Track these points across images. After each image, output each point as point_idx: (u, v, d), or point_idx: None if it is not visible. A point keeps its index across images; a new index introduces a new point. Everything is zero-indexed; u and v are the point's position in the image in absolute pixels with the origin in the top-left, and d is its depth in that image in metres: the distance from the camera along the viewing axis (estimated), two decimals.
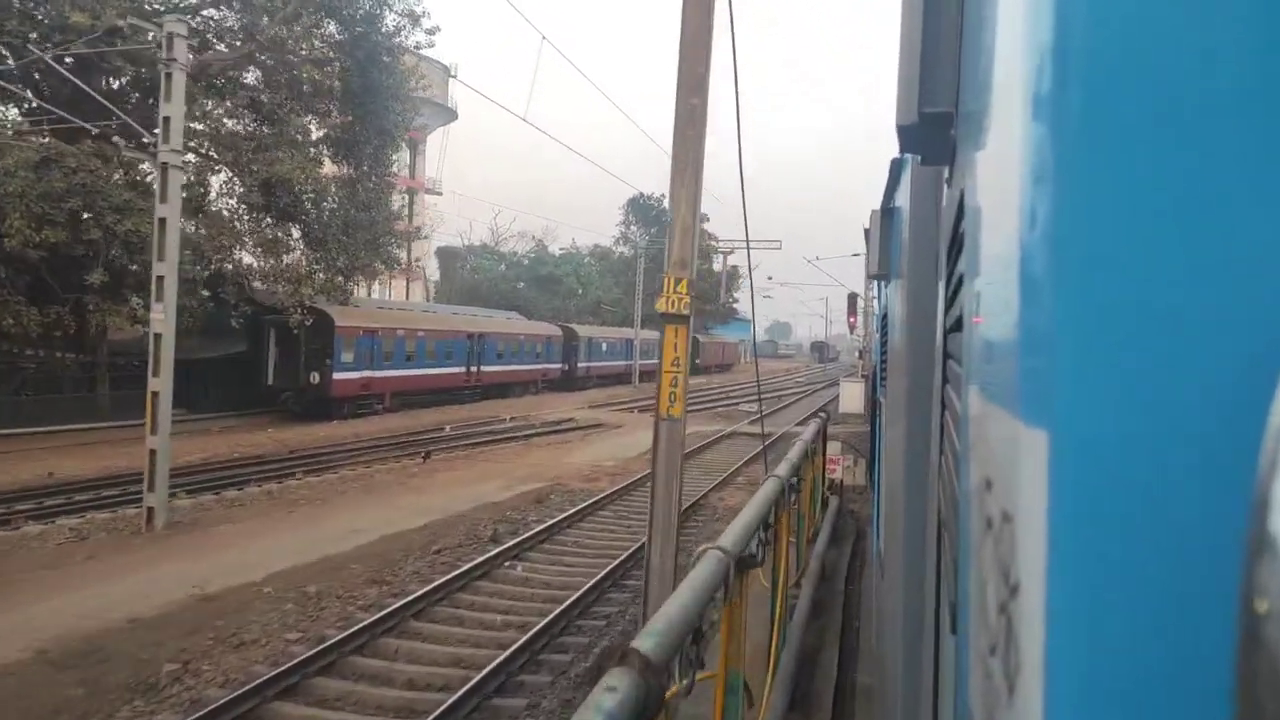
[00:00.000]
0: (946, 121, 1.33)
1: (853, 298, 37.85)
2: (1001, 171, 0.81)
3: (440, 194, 77.94)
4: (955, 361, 1.40)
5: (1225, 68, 0.62)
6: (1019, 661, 0.72)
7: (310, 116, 27.41)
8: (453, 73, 78.00)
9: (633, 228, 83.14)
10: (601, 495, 16.87)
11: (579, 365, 48.98)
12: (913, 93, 1.34)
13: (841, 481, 16.16)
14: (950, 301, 1.49)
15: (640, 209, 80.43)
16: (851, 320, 38.14)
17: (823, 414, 13.74)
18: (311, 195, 27.17)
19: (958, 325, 1.32)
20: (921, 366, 2.06)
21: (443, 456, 21.85)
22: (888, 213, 3.54)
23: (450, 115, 77.02)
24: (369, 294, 71.93)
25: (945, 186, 1.72)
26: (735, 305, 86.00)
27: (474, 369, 37.58)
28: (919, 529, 2.07)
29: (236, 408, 28.91)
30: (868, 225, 4.20)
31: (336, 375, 28.08)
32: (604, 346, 52.60)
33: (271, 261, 26.52)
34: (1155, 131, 0.64)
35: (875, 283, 7.57)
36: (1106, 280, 0.64)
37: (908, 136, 1.45)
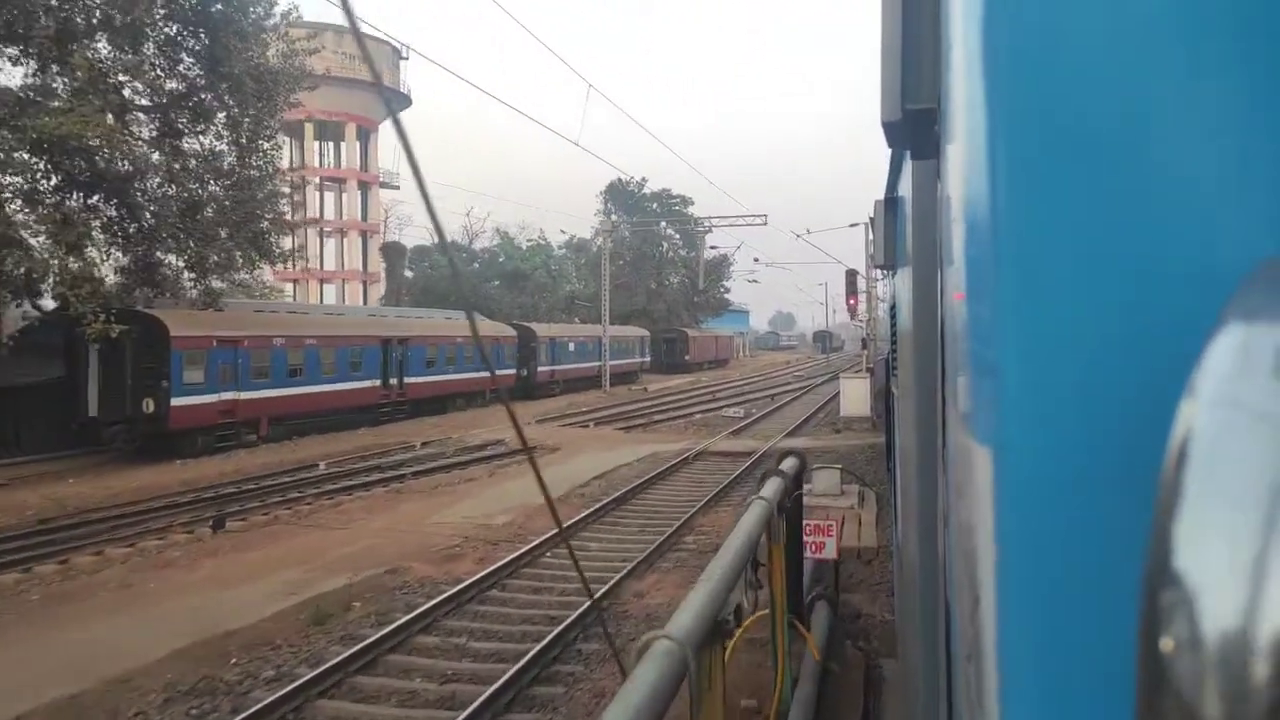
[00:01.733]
0: (931, 117, 1.34)
1: (851, 276, 31.10)
2: (966, 174, 0.81)
3: (397, 188, 71.33)
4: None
5: (1171, 86, 0.64)
6: (983, 677, 0.74)
7: (114, 54, 20.65)
8: (404, 54, 71.55)
9: (613, 217, 76.54)
10: (441, 597, 10.15)
11: (540, 370, 42.28)
12: (895, 89, 1.36)
13: (837, 563, 9.33)
14: (941, 298, 1.49)
15: (620, 195, 73.69)
16: (851, 302, 31.44)
17: (792, 457, 7.02)
18: (125, 167, 20.56)
19: (944, 322, 1.36)
20: (926, 358, 2.05)
21: (261, 518, 15.13)
22: (890, 203, 3.57)
23: (403, 101, 70.36)
24: (320, 297, 65.95)
25: (938, 181, 1.64)
26: (727, 295, 79.24)
27: (394, 381, 30.90)
28: (930, 521, 2.05)
29: (57, 448, 22.30)
30: (872, 215, 4.15)
31: (176, 401, 21.42)
32: (570, 347, 45.90)
33: (71, 258, 19.78)
34: (1092, 162, 0.66)
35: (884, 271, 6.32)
36: (1049, 297, 0.66)
37: (893, 133, 1.52)
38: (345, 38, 65.82)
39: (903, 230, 2.90)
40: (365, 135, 67.68)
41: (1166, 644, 0.39)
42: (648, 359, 60.16)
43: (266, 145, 27.82)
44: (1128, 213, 0.65)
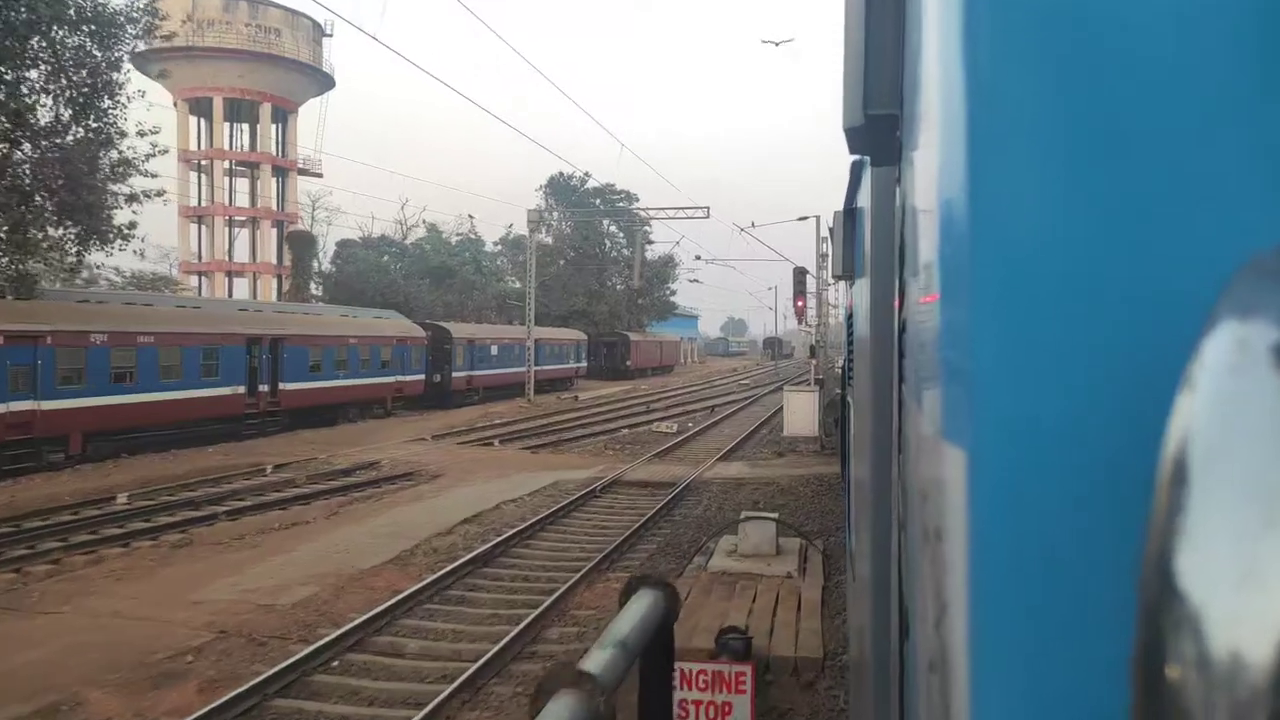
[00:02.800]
0: (893, 123, 1.34)
1: (800, 274, 27.26)
2: (937, 178, 0.80)
3: (320, 175, 66.07)
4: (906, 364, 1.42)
5: (1138, 88, 0.64)
6: (950, 687, 0.72)
7: None
8: (327, 30, 66.40)
9: (554, 214, 72.18)
10: None
11: (455, 375, 37.83)
12: (857, 94, 1.35)
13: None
14: (901, 305, 1.52)
15: (561, 189, 69.42)
16: (799, 304, 27.59)
17: (649, 592, 2.65)
18: None
19: (905, 329, 1.38)
20: (883, 367, 2.08)
21: None
22: (850, 214, 3.55)
23: (325, 82, 65.26)
24: (229, 291, 60.21)
25: (897, 187, 1.69)
26: (674, 299, 75.32)
27: (265, 388, 26.28)
28: (885, 528, 2.04)
29: None
30: (831, 226, 4.37)
31: None
32: (493, 351, 41.52)
33: None
34: (1063, 154, 0.65)
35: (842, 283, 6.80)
36: (1024, 299, 0.66)
37: (855, 138, 1.47)
38: (261, 9, 60.68)
39: (861, 240, 2.86)
40: (283, 116, 62.48)
41: (1173, 671, 0.38)
42: (584, 364, 55.97)
43: (107, 103, 23.19)
44: (1103, 214, 0.65)
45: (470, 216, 60.13)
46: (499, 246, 68.97)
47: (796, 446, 23.77)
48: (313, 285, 51.36)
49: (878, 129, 1.36)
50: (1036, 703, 0.63)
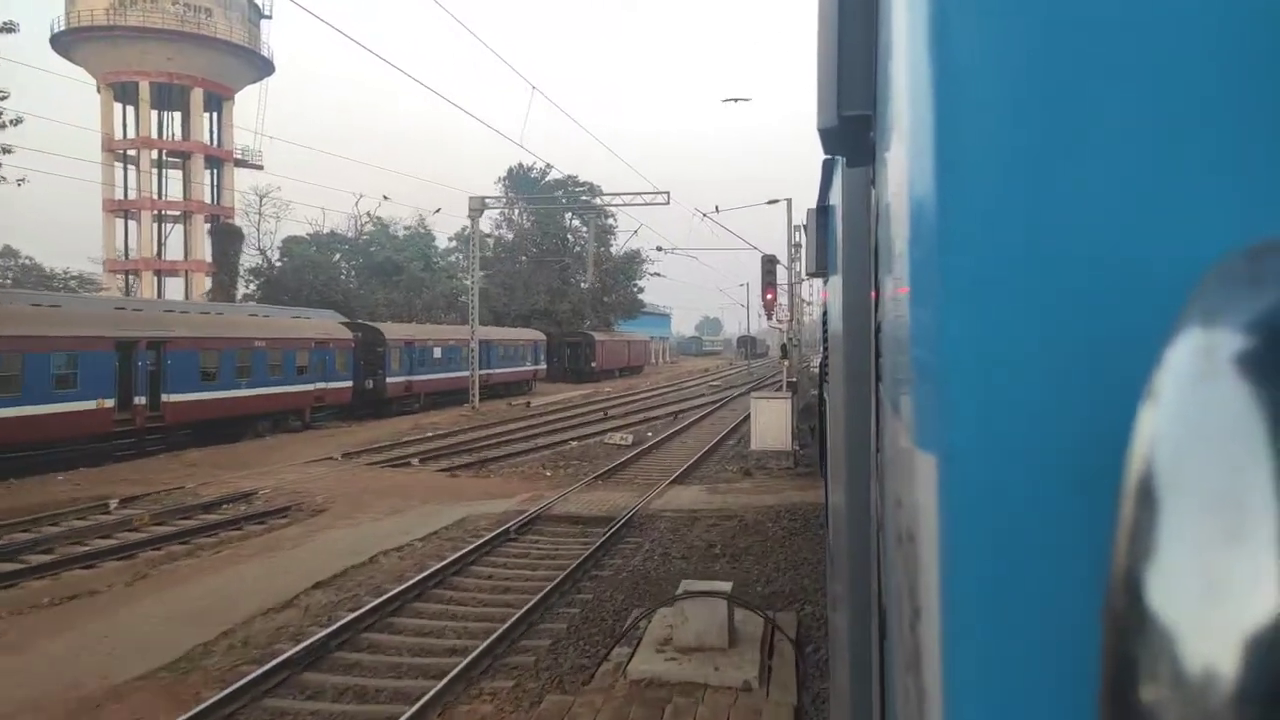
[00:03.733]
0: (866, 124, 1.34)
1: (769, 263, 23.72)
2: (907, 178, 0.81)
3: (260, 166, 61.67)
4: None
5: (1106, 89, 0.64)
6: (924, 690, 0.72)
7: None
8: (265, 11, 62.09)
9: (505, 203, 68.29)
10: None
11: (390, 380, 33.96)
12: (831, 96, 1.35)
13: None
14: (877, 305, 1.52)
15: (521, 182, 65.58)
16: (769, 297, 24.02)
17: None
18: None
19: (880, 328, 1.38)
20: (860, 365, 2.07)
21: None
22: (823, 210, 3.52)
23: (264, 66, 60.96)
24: (158, 291, 55.38)
25: (871, 187, 1.72)
26: (642, 296, 71.65)
27: (142, 401, 22.34)
28: (864, 530, 2.04)
29: None
30: (804, 222, 4.30)
31: None
32: (436, 353, 37.70)
33: None
34: (1031, 166, 0.66)
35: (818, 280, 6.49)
36: (995, 301, 0.66)
37: (829, 139, 1.47)
38: None
39: (834, 237, 2.86)
40: (217, 103, 58.18)
41: (1136, 672, 0.38)
42: (543, 367, 52.21)
43: None
44: (1074, 214, 0.65)
45: (422, 213, 55.66)
46: (454, 242, 65.00)
47: (766, 464, 20.20)
48: (243, 284, 47.11)
49: (852, 130, 1.37)
50: (1009, 704, 0.63)
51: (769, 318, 24.20)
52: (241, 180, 58.83)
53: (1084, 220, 0.64)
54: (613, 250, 68.62)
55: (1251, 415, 0.38)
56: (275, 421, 27.83)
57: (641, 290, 71.52)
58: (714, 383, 56.46)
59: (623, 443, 26.08)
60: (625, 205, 33.91)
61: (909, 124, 0.75)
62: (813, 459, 20.35)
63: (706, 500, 16.30)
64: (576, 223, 68.13)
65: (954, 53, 0.68)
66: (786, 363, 24.43)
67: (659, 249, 37.35)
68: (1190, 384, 0.42)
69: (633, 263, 68.19)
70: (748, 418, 28.17)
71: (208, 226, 57.26)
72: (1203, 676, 0.35)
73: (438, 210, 54.38)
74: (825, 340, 3.78)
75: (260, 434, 26.55)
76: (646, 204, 32.92)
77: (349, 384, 31.44)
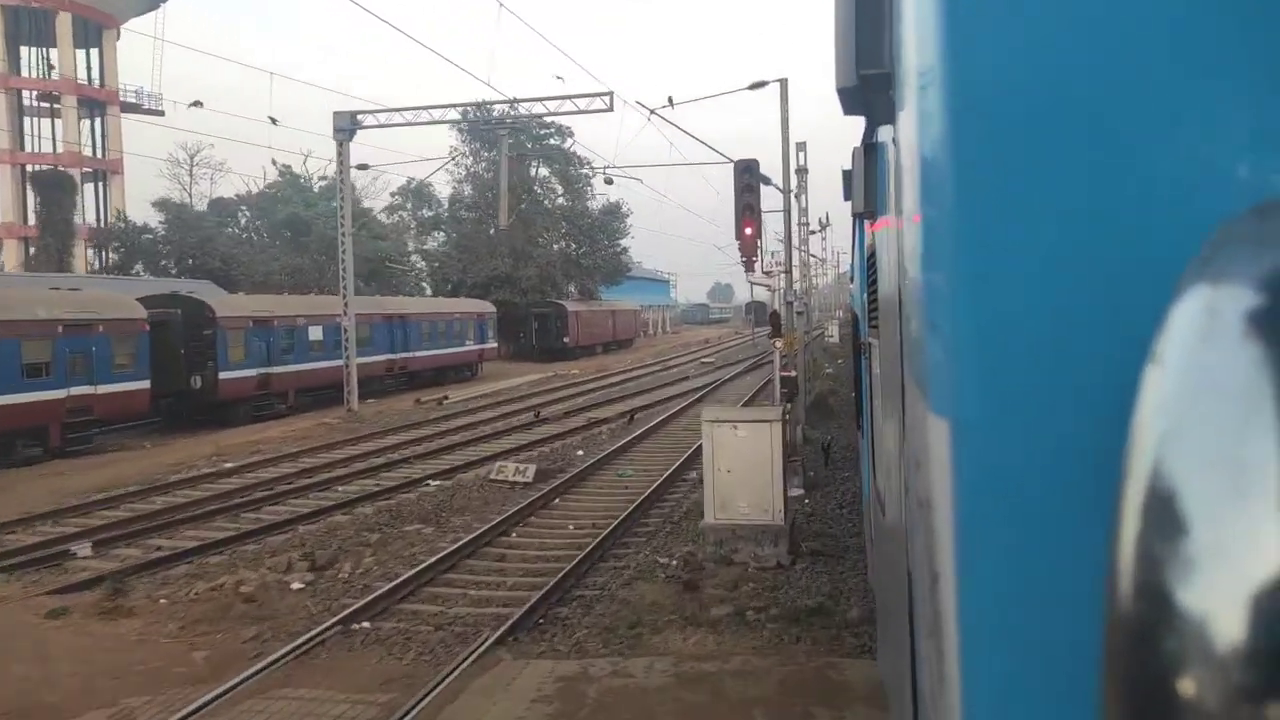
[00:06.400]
0: (886, 82, 1.31)
1: (746, 177, 13.36)
2: (919, 141, 0.78)
3: (160, 113, 51.18)
4: None
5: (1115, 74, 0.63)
6: (942, 655, 0.72)
7: None
8: None
9: (481, 160, 58.00)
10: None
11: (225, 376, 23.92)
12: (849, 55, 1.32)
13: None
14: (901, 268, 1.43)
15: (480, 130, 55.17)
16: (748, 232, 13.64)
17: None
18: None
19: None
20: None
21: None
22: (870, 148, 3.30)
23: None
24: (24, 259, 44.33)
25: (894, 146, 1.56)
26: (623, 255, 61.08)
27: None
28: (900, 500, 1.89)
29: None
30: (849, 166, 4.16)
31: None
32: (312, 335, 27.62)
33: None
34: (1041, 129, 0.65)
35: (855, 223, 5.98)
36: (1007, 266, 0.66)
37: (848, 99, 1.45)
38: None
39: (884, 174, 2.73)
40: (95, 34, 47.78)
41: (1143, 636, 0.38)
42: (491, 345, 42.08)
43: None
44: (1087, 179, 0.64)
45: (325, 162, 44.88)
46: (396, 197, 54.74)
47: (736, 552, 9.95)
48: (90, 250, 37.05)
49: (871, 88, 1.34)
50: (1023, 672, 0.62)
51: (749, 269, 13.83)
52: (139, 130, 48.36)
53: (1106, 186, 0.62)
54: (591, 205, 58.17)
55: (1254, 373, 0.38)
56: (28, 442, 18.16)
57: (625, 250, 60.96)
58: (707, 359, 46.14)
59: (519, 479, 16.00)
60: (557, 114, 23.49)
61: (924, 83, 0.72)
62: (832, 530, 10.53)
63: None
64: (545, 172, 57.65)
65: (965, 11, 0.66)
66: (778, 344, 14.08)
67: (607, 171, 26.80)
68: (1194, 344, 0.41)
69: (614, 218, 57.68)
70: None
71: (92, 187, 47.14)
72: (1207, 632, 0.36)
73: (309, 155, 42.84)
74: (871, 284, 3.33)
75: None
76: (581, 111, 22.53)
77: (141, 385, 21.42)
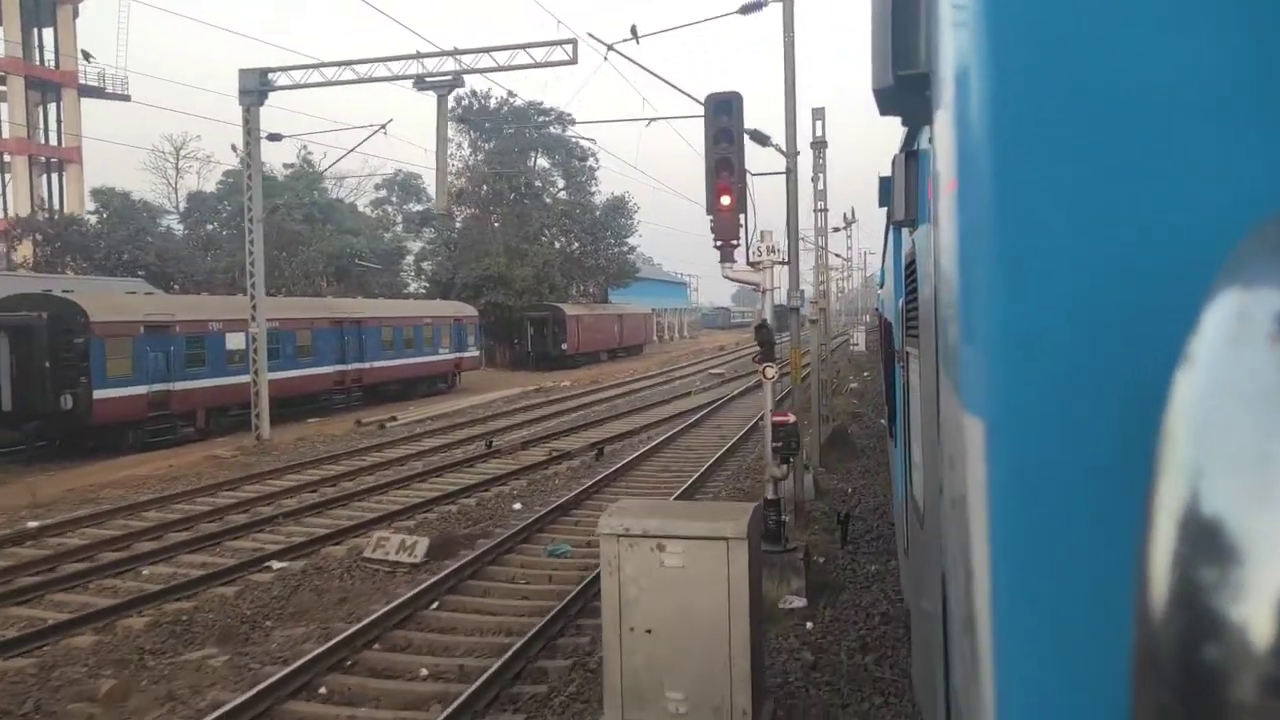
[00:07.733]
0: (923, 83, 1.29)
1: (719, 121, 8.27)
2: (956, 142, 0.79)
3: (126, 98, 47.14)
4: None
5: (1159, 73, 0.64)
6: (976, 651, 0.73)
7: None
8: None
9: (480, 151, 53.48)
10: None
11: (101, 396, 19.40)
12: (885, 55, 1.30)
13: None
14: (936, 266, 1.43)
15: (471, 114, 50.69)
16: (726, 201, 8.86)
17: None
18: None
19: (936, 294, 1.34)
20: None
21: None
22: (912, 155, 3.43)
23: None
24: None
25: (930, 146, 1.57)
26: (629, 254, 56.21)
27: None
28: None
29: None
30: (888, 173, 4.06)
31: None
32: (228, 344, 23.08)
33: None
34: (1078, 131, 0.66)
35: (891, 232, 5.83)
36: (1042, 267, 0.67)
37: (885, 100, 1.42)
38: None
39: (924, 183, 2.69)
40: (49, 11, 43.75)
41: (1173, 636, 0.39)
42: (472, 353, 37.45)
43: None
44: (1122, 181, 0.65)
45: (302, 151, 40.25)
46: (384, 191, 50.23)
47: None
48: (5, 243, 32.77)
49: (908, 90, 1.32)
50: (1056, 668, 0.62)
51: (727, 257, 8.99)
52: (99, 112, 44.16)
53: (1139, 189, 0.62)
54: (593, 199, 53.45)
55: None
56: None
57: (633, 250, 56.15)
58: (717, 370, 41.18)
59: (403, 558, 11.24)
60: (509, 68, 18.69)
61: (961, 84, 0.72)
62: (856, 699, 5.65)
63: None
64: (544, 163, 53.01)
65: (1008, 8, 0.66)
66: (768, 373, 9.26)
67: (564, 116, 21.98)
68: (1225, 347, 0.42)
69: (618, 214, 52.91)
70: (751, 433, 13.29)
71: (43, 178, 43.09)
72: (1241, 632, 0.36)
73: (306, 150, 38.12)
74: (910, 291, 3.23)
75: None
76: (538, 64, 17.79)
77: None
